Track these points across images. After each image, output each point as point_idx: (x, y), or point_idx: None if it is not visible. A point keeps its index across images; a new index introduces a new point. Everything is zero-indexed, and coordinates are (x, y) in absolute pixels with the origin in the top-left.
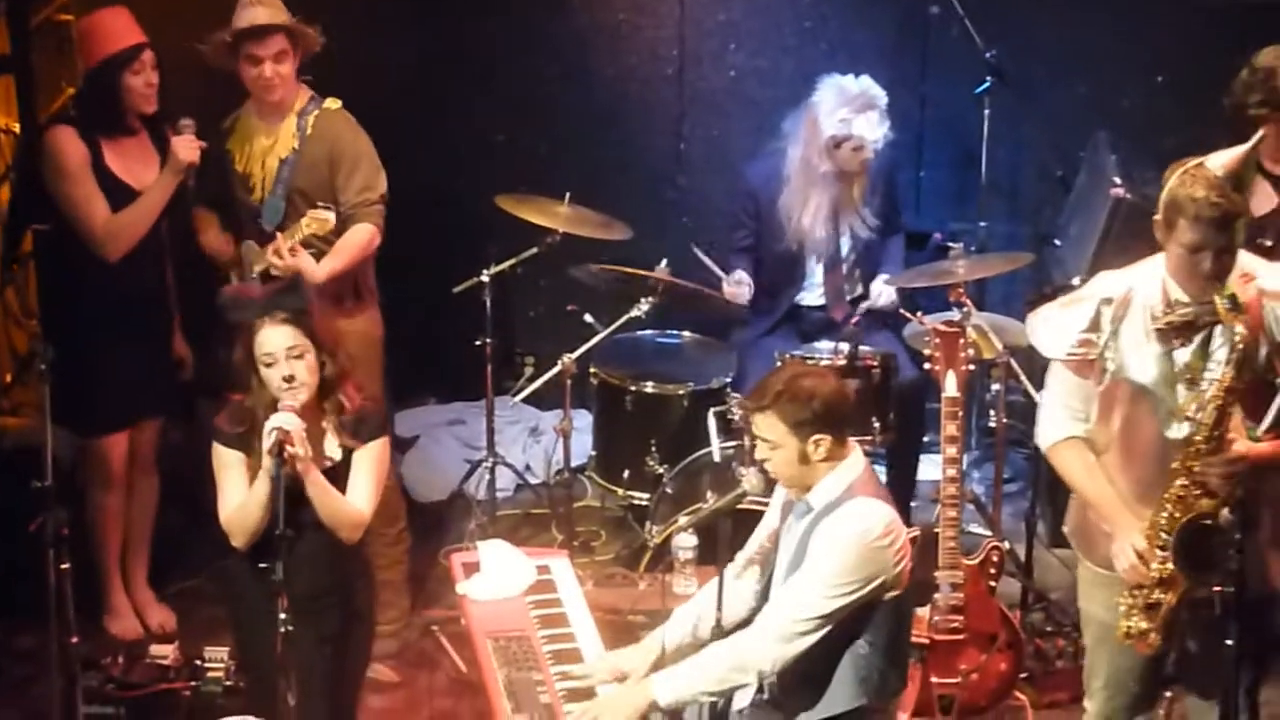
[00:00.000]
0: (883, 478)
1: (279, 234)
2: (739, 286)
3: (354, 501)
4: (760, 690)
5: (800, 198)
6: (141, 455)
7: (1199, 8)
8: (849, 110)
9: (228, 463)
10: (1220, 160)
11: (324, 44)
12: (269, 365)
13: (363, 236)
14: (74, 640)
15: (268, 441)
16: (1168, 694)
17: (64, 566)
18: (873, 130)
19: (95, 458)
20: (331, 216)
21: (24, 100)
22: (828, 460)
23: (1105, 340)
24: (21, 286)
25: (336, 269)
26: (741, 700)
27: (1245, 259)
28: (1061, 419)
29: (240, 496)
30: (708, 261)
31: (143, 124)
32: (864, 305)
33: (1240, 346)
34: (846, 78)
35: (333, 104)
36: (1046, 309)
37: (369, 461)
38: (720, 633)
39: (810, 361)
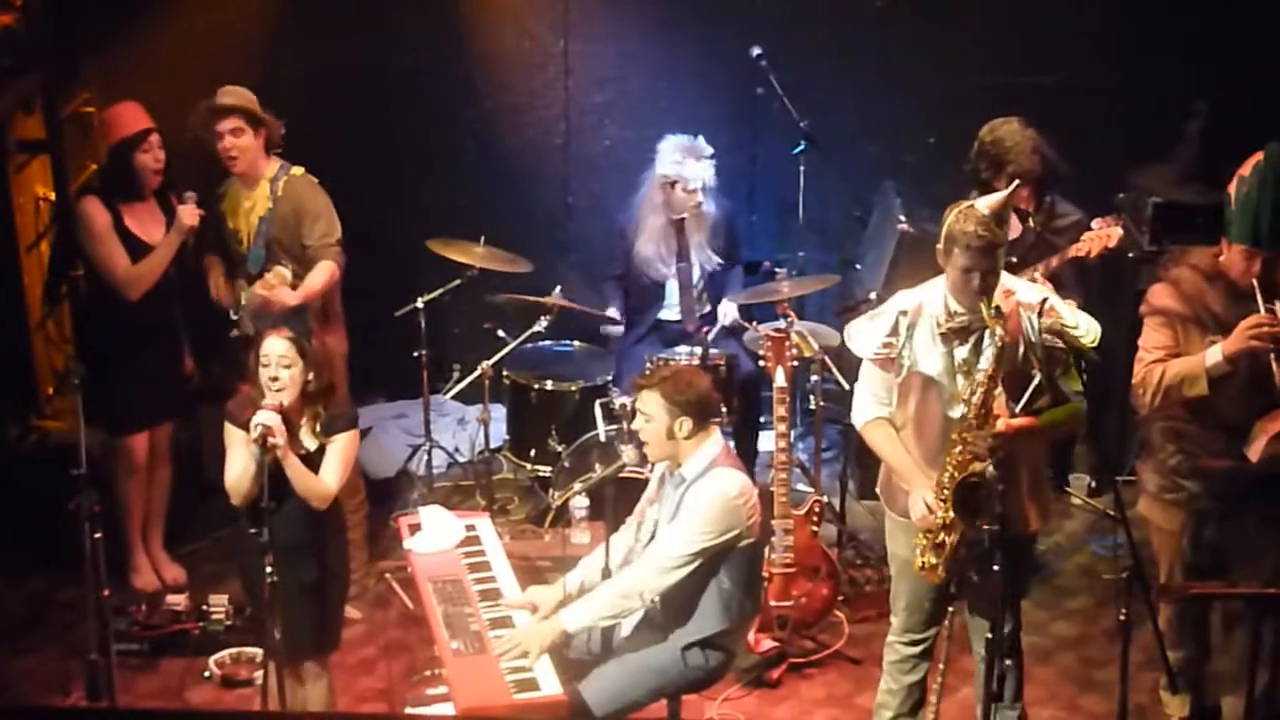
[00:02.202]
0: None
1: (264, 275)
2: (615, 316)
3: (324, 479)
4: (642, 617)
5: (643, 224)
6: (158, 449)
7: (961, 87)
8: (681, 155)
9: (235, 439)
10: (986, 202)
11: (284, 130)
12: (264, 366)
13: (325, 271)
14: (106, 593)
15: (254, 433)
16: (951, 609)
17: (96, 536)
18: (698, 173)
19: (123, 452)
20: (288, 272)
21: (57, 175)
22: (690, 439)
23: (902, 343)
24: (59, 319)
25: (305, 297)
26: (626, 629)
27: (1007, 278)
28: (870, 403)
29: (241, 467)
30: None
31: (151, 192)
32: (717, 327)
33: (1000, 345)
34: (684, 136)
35: (297, 171)
36: (858, 321)
37: (338, 450)
38: (609, 576)
39: (672, 363)
